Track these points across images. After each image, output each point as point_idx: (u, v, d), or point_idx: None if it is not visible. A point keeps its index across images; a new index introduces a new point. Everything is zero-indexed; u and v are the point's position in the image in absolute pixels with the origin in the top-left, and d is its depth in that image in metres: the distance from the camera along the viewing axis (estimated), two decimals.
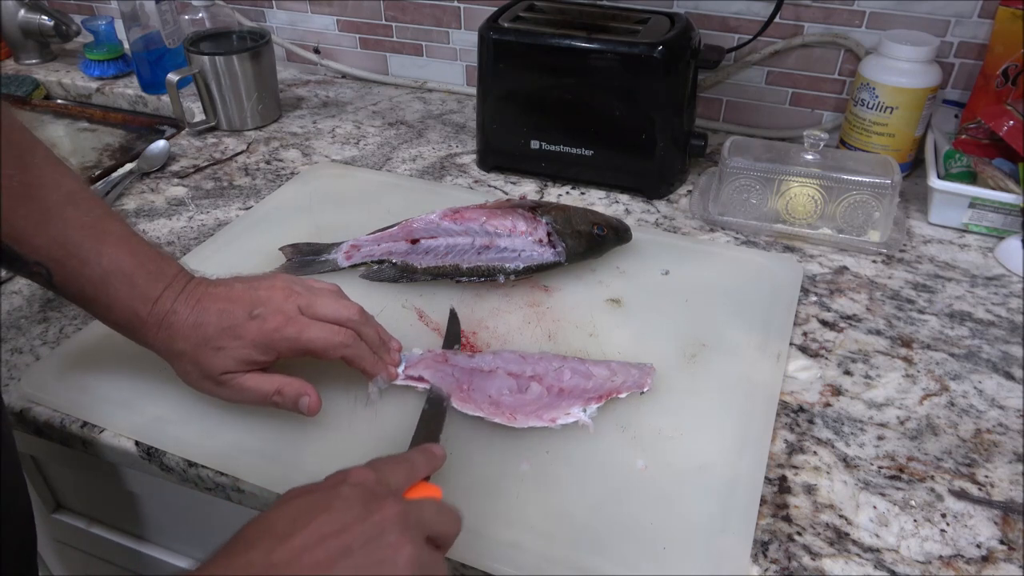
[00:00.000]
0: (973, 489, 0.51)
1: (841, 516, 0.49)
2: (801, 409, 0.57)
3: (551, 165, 0.86)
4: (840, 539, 0.48)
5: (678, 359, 0.60)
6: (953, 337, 0.64)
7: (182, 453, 0.53)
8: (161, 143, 0.93)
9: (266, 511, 0.37)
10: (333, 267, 0.70)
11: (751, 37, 0.89)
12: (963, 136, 0.80)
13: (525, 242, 0.68)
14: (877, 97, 0.81)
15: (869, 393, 0.59)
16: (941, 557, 0.47)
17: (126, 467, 0.60)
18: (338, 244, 0.72)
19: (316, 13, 1.13)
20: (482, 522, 0.47)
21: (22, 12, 1.15)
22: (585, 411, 0.54)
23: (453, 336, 0.62)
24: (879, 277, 0.72)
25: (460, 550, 0.45)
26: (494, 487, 0.50)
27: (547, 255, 0.68)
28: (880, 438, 0.55)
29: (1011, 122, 0.75)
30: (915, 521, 0.49)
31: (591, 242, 0.69)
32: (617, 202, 0.84)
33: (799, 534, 0.48)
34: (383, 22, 1.10)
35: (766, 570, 0.46)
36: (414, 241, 0.70)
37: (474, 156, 0.92)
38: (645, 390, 0.56)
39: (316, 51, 1.16)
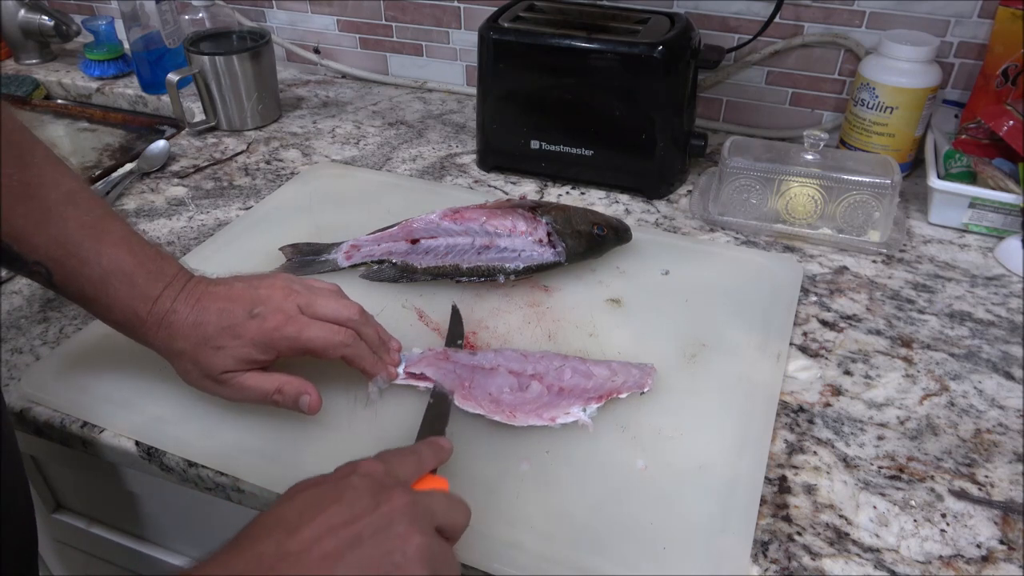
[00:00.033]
0: (973, 489, 0.51)
1: (841, 516, 0.49)
2: (801, 409, 0.57)
3: (551, 165, 0.86)
4: (840, 539, 0.48)
5: (678, 359, 0.60)
6: (953, 337, 0.64)
7: (182, 453, 0.53)
8: (161, 143, 0.93)
9: (275, 504, 0.37)
10: (333, 267, 0.70)
11: (751, 37, 0.89)
12: (963, 136, 0.80)
13: (525, 242, 0.68)
14: (877, 97, 0.81)
15: (869, 393, 0.59)
16: (941, 557, 0.47)
17: (126, 467, 0.60)
18: (338, 244, 0.72)
19: (316, 13, 1.13)
20: (482, 522, 0.47)
21: (22, 12, 1.15)
22: (585, 411, 0.54)
23: (456, 333, 0.62)
24: (879, 277, 0.72)
25: (459, 550, 0.44)
26: (494, 487, 0.50)
27: (547, 255, 0.68)
28: (880, 438, 0.55)
29: (1011, 122, 0.75)
30: (915, 521, 0.49)
31: (591, 242, 0.69)
32: (617, 202, 0.84)
33: (799, 534, 0.48)
34: (383, 22, 1.10)
35: (766, 570, 0.46)
36: (414, 241, 0.70)
37: (474, 156, 0.92)
38: (646, 390, 0.56)
39: (316, 51, 1.16)
